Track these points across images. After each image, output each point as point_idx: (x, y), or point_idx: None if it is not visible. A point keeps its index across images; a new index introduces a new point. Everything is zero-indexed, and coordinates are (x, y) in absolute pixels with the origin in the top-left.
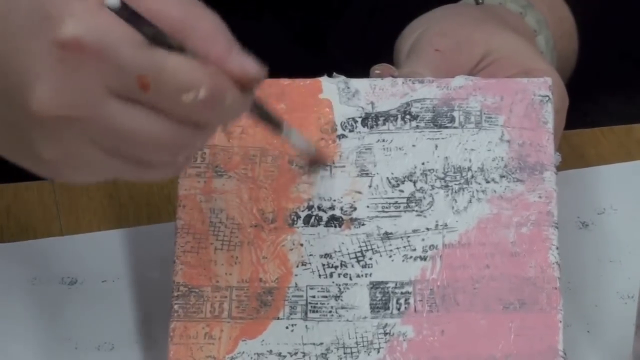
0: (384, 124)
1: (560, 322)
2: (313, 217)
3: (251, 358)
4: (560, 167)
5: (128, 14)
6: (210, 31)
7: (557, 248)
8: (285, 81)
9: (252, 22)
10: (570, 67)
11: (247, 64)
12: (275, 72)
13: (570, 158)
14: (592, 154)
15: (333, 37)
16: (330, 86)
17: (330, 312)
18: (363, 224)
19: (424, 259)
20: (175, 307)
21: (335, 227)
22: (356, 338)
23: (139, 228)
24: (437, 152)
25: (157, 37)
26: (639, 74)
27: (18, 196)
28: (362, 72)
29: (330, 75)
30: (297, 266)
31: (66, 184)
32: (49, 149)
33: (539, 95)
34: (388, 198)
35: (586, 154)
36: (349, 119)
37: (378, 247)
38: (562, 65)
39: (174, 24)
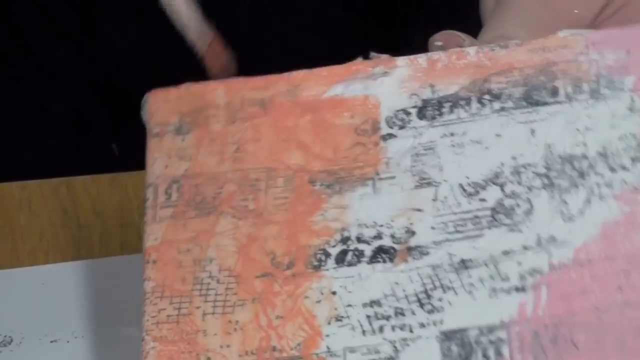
0: (451, 111)
1: None
2: (350, 253)
3: None
4: None
5: None
6: None
7: None
8: (299, 73)
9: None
10: None
11: None
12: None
13: None
14: None
15: None
16: (365, 71)
17: None
18: (427, 253)
19: (522, 289)
20: None
21: (384, 262)
22: None
23: (108, 260)
24: (534, 140)
25: None
26: None
27: None
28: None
29: (366, 57)
30: (329, 323)
31: None
32: None
33: None
34: (463, 212)
35: None
36: (397, 111)
37: (451, 282)
38: None
39: None
